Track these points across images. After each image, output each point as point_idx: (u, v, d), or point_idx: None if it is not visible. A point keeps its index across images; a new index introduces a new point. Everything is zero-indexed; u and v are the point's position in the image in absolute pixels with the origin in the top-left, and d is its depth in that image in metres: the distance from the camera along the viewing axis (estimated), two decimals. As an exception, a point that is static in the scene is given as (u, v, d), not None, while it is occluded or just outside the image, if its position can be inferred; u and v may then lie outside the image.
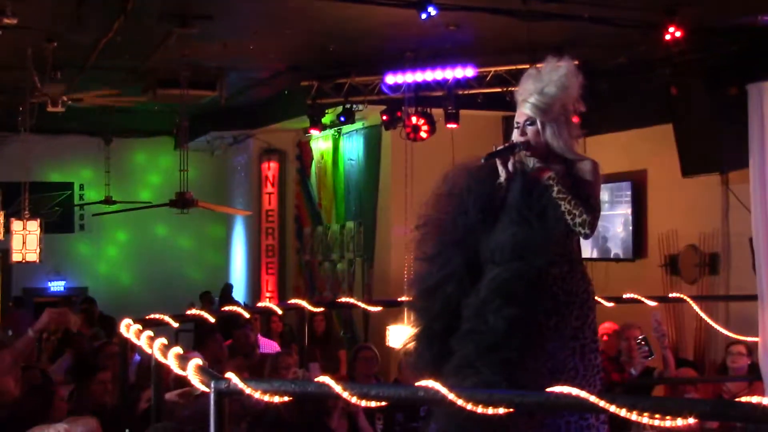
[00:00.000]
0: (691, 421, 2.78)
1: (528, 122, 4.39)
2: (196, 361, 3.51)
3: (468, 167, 4.48)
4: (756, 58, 8.10)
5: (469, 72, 9.17)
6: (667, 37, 7.72)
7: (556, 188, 4.28)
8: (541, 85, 4.38)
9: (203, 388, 3.36)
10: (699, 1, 7.45)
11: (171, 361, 3.83)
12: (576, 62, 4.45)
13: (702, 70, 8.39)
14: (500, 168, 4.34)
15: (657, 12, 7.61)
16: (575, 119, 4.48)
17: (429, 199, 4.54)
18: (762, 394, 6.70)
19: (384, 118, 10.24)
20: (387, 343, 9.79)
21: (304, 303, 6.92)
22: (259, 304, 7.74)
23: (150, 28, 8.15)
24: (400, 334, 9.50)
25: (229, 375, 3.17)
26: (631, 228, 10.07)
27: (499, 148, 4.36)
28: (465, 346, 4.14)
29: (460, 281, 4.29)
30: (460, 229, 4.36)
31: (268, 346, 9.02)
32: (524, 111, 4.39)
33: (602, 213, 10.69)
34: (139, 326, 4.93)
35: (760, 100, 7.68)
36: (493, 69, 9.29)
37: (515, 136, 4.41)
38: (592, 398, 2.85)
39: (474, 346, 4.13)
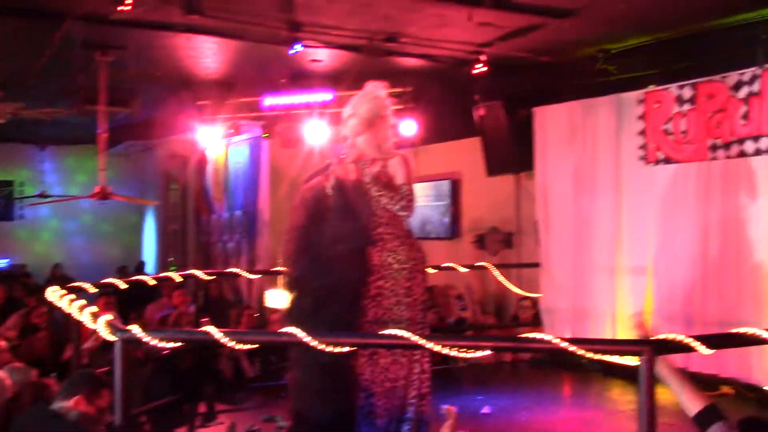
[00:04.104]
0: (488, 352, 2.81)
1: (345, 139, 4.49)
2: (106, 316, 3.34)
3: (309, 185, 4.55)
4: (539, 89, 8.29)
5: (328, 96, 9.07)
6: (476, 71, 7.81)
7: (374, 188, 4.36)
8: (356, 107, 4.46)
9: (111, 338, 3.19)
10: (499, 45, 7.56)
11: (85, 317, 3.63)
12: (382, 85, 4.51)
13: (501, 97, 8.52)
14: (324, 182, 4.42)
15: (468, 52, 7.70)
16: (392, 126, 4.56)
17: (292, 210, 4.65)
18: (543, 335, 6.89)
19: (263, 130, 10.07)
20: (264, 304, 9.63)
21: (198, 272, 6.69)
22: (161, 274, 7.40)
23: (75, 55, 7.74)
24: (275, 297, 9.36)
25: (131, 326, 3.02)
26: (450, 215, 10.21)
27: (315, 171, 4.48)
28: (304, 307, 4.30)
29: (307, 264, 4.40)
30: (306, 229, 4.47)
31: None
32: (342, 130, 4.52)
33: (430, 204, 10.79)
34: (62, 291, 4.67)
35: (542, 120, 7.88)
36: (346, 93, 9.20)
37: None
38: (414, 337, 2.84)
39: (308, 305, 4.29)
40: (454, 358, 7.01)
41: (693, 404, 2.71)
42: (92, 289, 5.35)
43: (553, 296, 7.63)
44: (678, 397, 2.80)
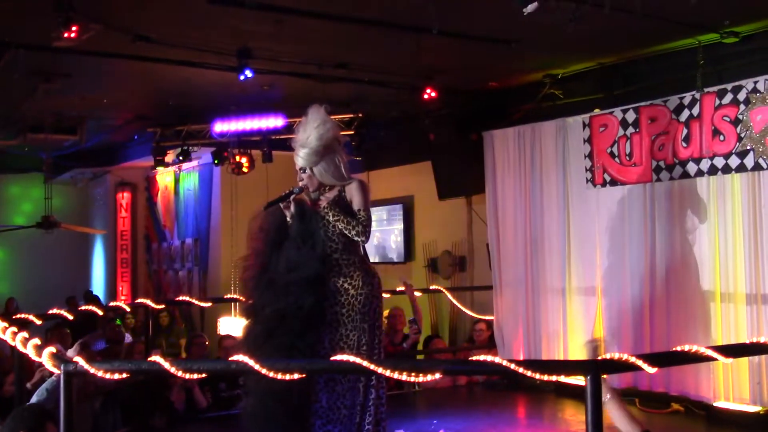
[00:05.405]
0: (438, 376, 2.84)
1: (302, 170, 4.53)
2: (50, 349, 3.29)
3: (266, 211, 4.55)
4: (488, 113, 8.43)
5: (280, 122, 9.09)
6: (426, 96, 7.90)
7: (330, 214, 4.40)
8: (305, 136, 4.50)
9: (55, 370, 3.15)
10: (448, 70, 7.67)
11: (30, 350, 3.57)
12: (328, 110, 4.57)
13: (451, 121, 8.63)
14: (284, 210, 4.46)
15: (418, 78, 7.79)
16: (344, 151, 4.63)
17: (247, 236, 4.65)
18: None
19: (214, 157, 10.04)
20: (218, 332, 9.54)
21: (148, 301, 6.61)
22: (111, 303, 7.31)
23: (19, 83, 7.63)
24: (229, 325, 9.30)
25: (77, 358, 2.99)
26: (402, 238, 10.26)
27: (276, 198, 4.51)
28: (257, 333, 4.34)
29: (264, 291, 4.44)
30: (262, 257, 4.51)
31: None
32: (297, 162, 4.54)
33: (383, 228, 10.84)
34: (5, 324, 4.57)
35: (491, 144, 8.00)
36: (297, 119, 9.22)
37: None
38: (365, 363, 2.86)
39: (261, 332, 4.32)
40: (409, 383, 7.04)
41: (631, 427, 2.82)
42: (38, 321, 5.25)
43: (505, 318, 7.71)
44: (616, 421, 2.89)
